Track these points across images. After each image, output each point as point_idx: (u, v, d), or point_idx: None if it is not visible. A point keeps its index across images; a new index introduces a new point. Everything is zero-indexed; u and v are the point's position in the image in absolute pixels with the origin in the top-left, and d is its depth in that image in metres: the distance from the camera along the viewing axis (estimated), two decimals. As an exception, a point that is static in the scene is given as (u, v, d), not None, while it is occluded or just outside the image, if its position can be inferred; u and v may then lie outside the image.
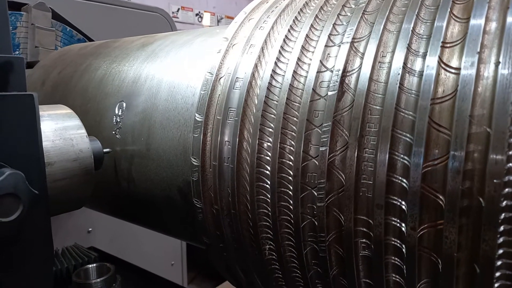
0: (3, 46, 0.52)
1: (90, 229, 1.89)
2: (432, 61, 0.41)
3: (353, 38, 0.49)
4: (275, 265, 0.56)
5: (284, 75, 0.53)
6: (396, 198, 0.41)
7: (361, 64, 0.46)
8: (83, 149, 0.65)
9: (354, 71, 0.47)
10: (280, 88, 0.52)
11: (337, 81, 0.47)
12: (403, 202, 0.41)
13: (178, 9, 5.24)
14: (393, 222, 0.42)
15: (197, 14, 5.60)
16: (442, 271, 0.39)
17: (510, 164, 0.35)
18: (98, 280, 0.66)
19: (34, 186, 0.50)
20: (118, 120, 0.79)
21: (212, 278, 2.97)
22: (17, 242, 0.51)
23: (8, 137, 0.50)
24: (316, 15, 0.55)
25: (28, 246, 0.53)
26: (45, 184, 0.54)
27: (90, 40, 1.78)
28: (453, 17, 0.43)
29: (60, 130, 0.64)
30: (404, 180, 0.41)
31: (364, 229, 0.44)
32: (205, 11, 5.68)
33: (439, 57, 0.41)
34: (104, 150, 0.73)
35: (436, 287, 0.40)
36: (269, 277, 0.58)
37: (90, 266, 0.70)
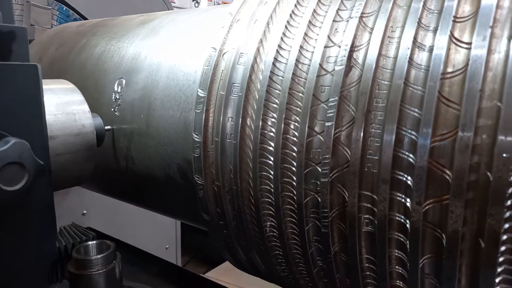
0: (6, 16, 0.51)
1: (84, 211, 1.88)
2: (443, 36, 0.41)
3: (362, 13, 0.48)
4: (275, 242, 0.56)
5: (290, 50, 0.52)
6: (402, 174, 0.41)
7: (369, 39, 0.46)
8: (85, 124, 0.64)
9: (362, 46, 0.46)
10: (286, 64, 0.51)
11: (344, 56, 0.46)
12: (409, 178, 0.41)
13: (175, -8, 5.13)
14: (398, 198, 0.42)
15: (194, -1, 5.49)
16: (446, 245, 0.39)
17: (520, 139, 0.35)
18: (99, 256, 0.65)
19: (37, 157, 0.49)
20: (117, 97, 0.78)
21: (205, 263, 2.99)
22: (21, 213, 0.51)
23: (11, 107, 0.50)
24: (324, -9, 0.54)
25: (32, 218, 0.52)
26: (48, 156, 0.54)
27: (86, 20, 1.75)
28: (465, -8, 0.42)
29: (62, 104, 0.63)
30: (411, 155, 0.40)
31: (368, 205, 0.44)
32: (202, -4, 5.58)
33: (450, 31, 0.40)
34: (106, 127, 0.73)
35: (440, 262, 0.40)
36: (268, 255, 0.58)
37: (90, 243, 0.70)
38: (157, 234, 2.19)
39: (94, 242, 0.72)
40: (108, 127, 0.77)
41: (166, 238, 2.27)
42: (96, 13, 1.73)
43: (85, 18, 1.76)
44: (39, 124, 0.53)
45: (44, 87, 0.58)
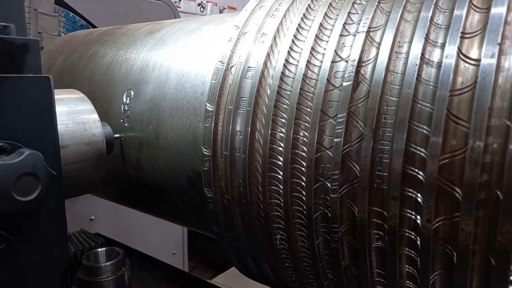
0: (19, 28, 0.52)
1: (92, 217, 1.90)
2: (451, 51, 0.41)
3: (369, 28, 0.48)
4: (285, 255, 0.56)
5: (297, 65, 0.52)
6: (411, 190, 0.41)
7: (377, 54, 0.46)
8: (95, 133, 0.65)
9: (370, 61, 0.46)
10: (294, 78, 0.52)
11: (352, 72, 0.47)
12: (419, 194, 0.41)
13: (180, -3, 5.16)
14: (408, 214, 0.42)
15: (199, 4, 5.52)
16: (457, 262, 0.39)
17: (530, 157, 0.35)
18: (108, 263, 0.66)
19: (50, 167, 0.50)
20: (126, 108, 0.79)
21: (212, 268, 2.99)
22: (34, 221, 0.52)
23: (24, 118, 0.51)
24: (330, 3, 0.55)
25: (44, 226, 0.53)
26: (60, 166, 0.55)
27: (93, 26, 1.76)
28: (473, 6, 0.42)
29: (73, 113, 0.64)
30: (420, 172, 0.41)
31: (378, 221, 0.44)
32: (207, 1, 5.61)
33: (458, 47, 0.41)
34: (115, 135, 0.74)
35: (450, 279, 0.40)
36: (279, 266, 0.59)
37: (100, 250, 0.71)
38: (164, 239, 2.20)
39: (104, 249, 0.73)
40: (118, 135, 0.78)
41: (173, 243, 2.28)
42: (103, 20, 1.74)
43: (92, 25, 1.77)
44: (52, 135, 0.54)
45: (55, 96, 0.59)
